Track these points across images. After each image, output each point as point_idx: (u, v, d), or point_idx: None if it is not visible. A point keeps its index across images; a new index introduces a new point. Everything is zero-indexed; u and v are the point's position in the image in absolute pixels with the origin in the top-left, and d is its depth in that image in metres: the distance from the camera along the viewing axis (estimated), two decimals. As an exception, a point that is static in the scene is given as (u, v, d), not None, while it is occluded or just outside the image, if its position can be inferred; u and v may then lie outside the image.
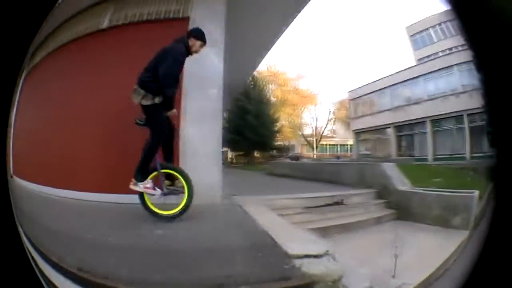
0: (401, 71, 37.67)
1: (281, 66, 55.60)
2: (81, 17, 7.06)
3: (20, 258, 2.01)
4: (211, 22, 6.87)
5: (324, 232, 6.88)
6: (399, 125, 37.80)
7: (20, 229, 2.13)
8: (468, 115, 28.41)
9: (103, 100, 7.01)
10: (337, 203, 8.80)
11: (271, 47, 14.33)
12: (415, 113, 34.75)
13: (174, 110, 6.21)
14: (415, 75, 35.47)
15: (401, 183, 10.47)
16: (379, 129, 40.62)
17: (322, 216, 8.02)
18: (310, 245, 3.89)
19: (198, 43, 5.99)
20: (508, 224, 1.78)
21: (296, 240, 4.36)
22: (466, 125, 29.07)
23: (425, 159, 33.01)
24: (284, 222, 6.16)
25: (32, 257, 2.28)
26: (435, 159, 31.98)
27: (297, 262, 3.28)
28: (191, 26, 6.66)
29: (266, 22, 11.57)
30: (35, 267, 2.22)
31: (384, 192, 10.40)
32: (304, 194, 8.76)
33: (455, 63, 29.98)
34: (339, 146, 56.36)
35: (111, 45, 6.97)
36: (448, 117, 31.48)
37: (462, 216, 8.02)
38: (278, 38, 13.10)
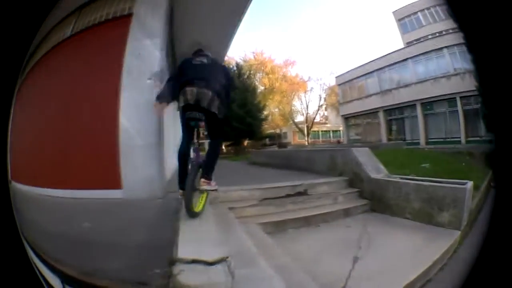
0: (389, 54, 36.94)
1: (269, 53, 56.00)
2: (56, 29, 6.97)
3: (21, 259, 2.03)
4: (152, 17, 6.92)
5: (278, 226, 6.40)
6: (389, 109, 37.13)
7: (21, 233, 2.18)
8: (461, 97, 27.68)
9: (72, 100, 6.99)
10: (300, 193, 7.94)
11: (230, 38, 13.98)
12: (405, 96, 34.00)
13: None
14: (403, 58, 34.65)
15: (375, 170, 9.23)
16: (368, 114, 39.81)
17: (280, 208, 7.24)
18: (208, 249, 3.22)
19: None
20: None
21: (199, 241, 3.62)
22: (459, 108, 28.21)
23: (417, 143, 31.97)
24: (218, 218, 5.39)
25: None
26: (428, 143, 30.94)
27: (179, 268, 2.81)
28: (133, 21, 6.80)
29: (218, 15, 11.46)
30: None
31: (356, 181, 9.39)
32: (264, 185, 8.00)
33: (445, 45, 29.26)
34: (331, 132, 57.04)
35: (74, 50, 6.99)
36: (440, 100, 30.58)
37: (450, 212, 6.80)
38: (234, 29, 12.99)
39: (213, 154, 5.42)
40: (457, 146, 25.59)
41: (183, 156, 5.39)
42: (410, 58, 33.88)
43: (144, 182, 6.33)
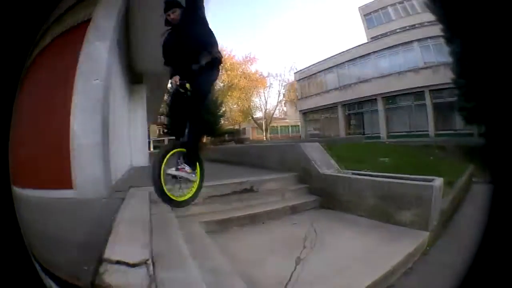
0: (350, 49, 36.83)
1: (229, 50, 56.19)
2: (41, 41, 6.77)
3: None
4: (105, 19, 7.02)
5: (222, 225, 6.17)
6: (348, 104, 37.26)
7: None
8: (431, 91, 27.51)
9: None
10: (246, 190, 7.64)
11: None
12: (365, 91, 33.98)
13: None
14: (366, 53, 34.62)
15: (325, 165, 8.80)
16: (327, 108, 40.03)
17: (225, 206, 6.96)
18: (134, 250, 3.14)
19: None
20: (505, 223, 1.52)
21: (128, 241, 3.50)
22: (428, 101, 28.00)
23: (378, 137, 31.65)
24: (157, 217, 5.05)
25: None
26: (390, 137, 30.61)
27: (105, 267, 2.77)
28: (91, 26, 6.95)
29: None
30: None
31: (305, 176, 8.95)
32: (210, 182, 7.09)
33: (416, 38, 29.07)
34: (290, 127, 58.21)
35: (43, 58, 6.48)
36: (405, 94, 30.27)
37: (413, 212, 6.25)
38: None
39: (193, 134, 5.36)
40: (424, 139, 25.51)
41: None
42: (373, 53, 33.97)
43: (90, 182, 6.41)
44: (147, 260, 2.96)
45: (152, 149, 40.29)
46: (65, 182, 6.24)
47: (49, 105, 6.55)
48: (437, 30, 21.55)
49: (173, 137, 5.39)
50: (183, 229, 4.77)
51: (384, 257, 4.75)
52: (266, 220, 6.62)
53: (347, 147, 18.07)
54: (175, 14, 5.10)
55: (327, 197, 8.02)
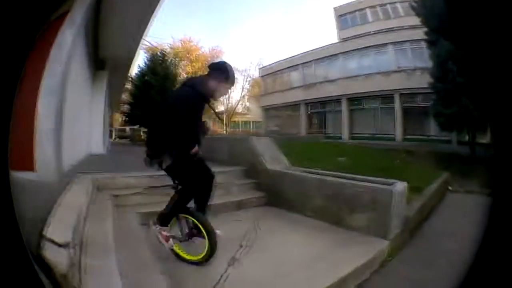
0: (318, 48, 36.48)
1: (196, 41, 56.76)
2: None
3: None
4: (77, 8, 6.87)
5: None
6: (311, 102, 36.87)
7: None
8: (402, 94, 27.21)
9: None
10: None
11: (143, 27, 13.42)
12: (329, 91, 33.46)
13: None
14: (333, 53, 34.21)
15: (274, 161, 8.42)
16: (289, 106, 39.56)
17: (165, 198, 5.70)
18: (63, 232, 3.09)
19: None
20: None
21: (62, 224, 3.33)
22: (397, 104, 27.63)
23: (339, 137, 31.25)
24: (95, 206, 5.12)
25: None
26: (353, 138, 30.23)
27: (44, 243, 2.74)
28: (68, 16, 6.72)
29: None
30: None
31: (253, 172, 8.54)
32: (152, 172, 6.56)
33: (391, 41, 28.75)
34: (252, 123, 58.54)
35: (37, 48, 6.50)
36: (372, 96, 29.99)
37: (368, 216, 5.72)
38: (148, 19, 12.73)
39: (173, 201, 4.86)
40: (390, 143, 25.01)
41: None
42: (342, 53, 33.65)
43: (45, 165, 6.15)
44: (71, 242, 2.94)
45: (114, 138, 40.86)
46: (29, 164, 6.03)
47: (25, 90, 5.99)
48: (419, 33, 21.62)
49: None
50: (118, 219, 4.74)
51: (331, 265, 4.18)
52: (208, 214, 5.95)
53: (305, 145, 17.82)
54: None
55: (274, 194, 7.57)
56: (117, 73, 17.32)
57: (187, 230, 4.53)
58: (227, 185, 7.57)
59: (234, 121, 60.15)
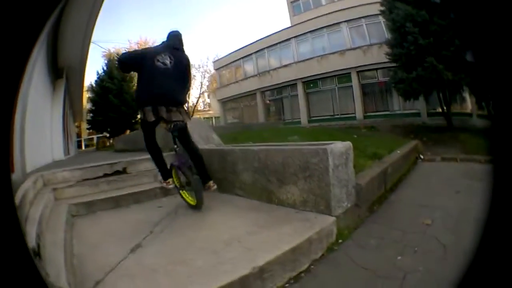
0: (270, 35, 35.50)
1: (152, 42, 55.90)
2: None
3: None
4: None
5: (89, 208, 5.75)
6: (266, 90, 36.19)
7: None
8: (359, 72, 26.54)
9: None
10: (118, 172, 7.37)
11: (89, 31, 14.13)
12: (284, 76, 32.69)
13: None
14: (286, 38, 33.30)
15: (204, 140, 7.88)
16: (246, 96, 38.89)
17: (94, 189, 6.58)
18: None
19: None
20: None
21: None
22: (355, 83, 26.97)
23: (298, 122, 30.51)
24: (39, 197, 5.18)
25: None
26: (311, 121, 29.46)
27: None
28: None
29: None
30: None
31: None
32: (84, 165, 7.63)
33: (344, 19, 27.84)
34: (214, 118, 57.71)
35: None
36: (327, 77, 29.08)
37: (302, 187, 4.54)
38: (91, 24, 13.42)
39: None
40: (351, 122, 24.44)
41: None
42: (294, 37, 32.68)
43: (19, 167, 6.85)
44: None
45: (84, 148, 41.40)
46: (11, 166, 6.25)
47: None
48: (374, 8, 21.26)
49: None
50: (51, 212, 4.75)
51: (245, 252, 3.34)
52: (132, 203, 6.14)
53: (259, 131, 16.82)
54: None
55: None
56: (73, 80, 18.37)
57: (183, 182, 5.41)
58: (155, 172, 6.74)
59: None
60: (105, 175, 7.07)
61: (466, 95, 18.37)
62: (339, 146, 4.42)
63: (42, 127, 11.15)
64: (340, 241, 3.88)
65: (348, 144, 4.64)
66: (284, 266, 3.17)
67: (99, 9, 12.55)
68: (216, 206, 5.27)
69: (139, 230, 4.34)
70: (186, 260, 3.25)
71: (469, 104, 18.99)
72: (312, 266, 3.39)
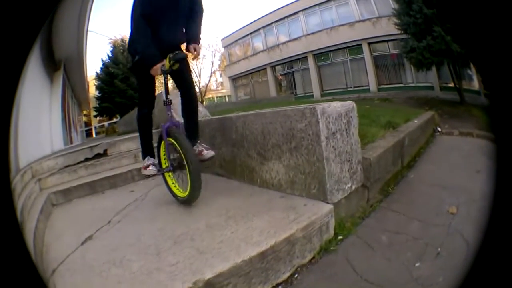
0: (277, 9, 34.56)
1: None
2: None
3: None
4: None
5: (66, 196, 5.39)
6: (277, 64, 35.34)
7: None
8: (370, 44, 25.67)
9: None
10: (99, 155, 7.07)
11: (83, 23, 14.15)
12: (294, 50, 31.86)
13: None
14: (294, 11, 32.31)
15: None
16: (256, 72, 38.17)
17: (73, 175, 6.37)
18: None
19: None
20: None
21: None
22: (367, 55, 26.00)
23: (311, 96, 29.73)
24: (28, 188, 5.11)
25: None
26: (324, 95, 28.60)
27: None
28: None
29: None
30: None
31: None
32: (65, 151, 7.78)
33: None
34: (227, 97, 56.68)
35: None
36: (338, 49, 28.12)
37: (288, 164, 3.59)
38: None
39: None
40: (365, 94, 23.66)
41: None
42: (302, 10, 31.72)
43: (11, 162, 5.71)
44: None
45: (94, 135, 40.86)
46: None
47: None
48: None
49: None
50: (33, 203, 4.54)
51: (201, 257, 2.55)
52: (108, 188, 5.80)
53: (268, 104, 16.88)
54: None
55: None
56: (73, 71, 17.99)
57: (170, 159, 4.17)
58: (135, 153, 6.87)
59: (209, 98, 59.91)
60: (86, 159, 6.86)
61: (473, 72, 17.40)
62: (336, 106, 3.28)
63: (39, 121, 10.54)
64: (340, 237, 2.94)
65: (350, 104, 3.50)
66: (248, 278, 2.35)
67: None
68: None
69: (100, 219, 3.95)
70: (124, 260, 2.74)
71: (476, 81, 18.03)
72: (297, 276, 2.53)
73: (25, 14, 1.41)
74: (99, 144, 7.13)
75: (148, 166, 4.26)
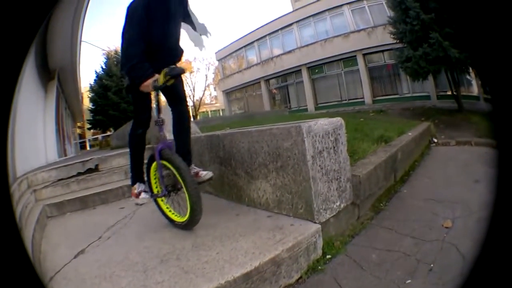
0: (270, 22, 34.70)
1: None
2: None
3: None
4: None
5: (59, 209, 5.43)
6: (271, 78, 35.31)
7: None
8: (365, 55, 25.69)
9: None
10: (91, 170, 7.05)
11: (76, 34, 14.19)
12: (287, 62, 31.80)
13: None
14: (287, 23, 32.45)
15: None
16: (250, 85, 38.13)
17: (66, 189, 6.35)
18: None
19: None
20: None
21: None
22: (361, 66, 26.00)
23: (305, 109, 29.59)
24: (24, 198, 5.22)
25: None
26: (318, 108, 28.59)
27: None
28: None
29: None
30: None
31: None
32: (58, 164, 7.74)
33: (346, 2, 26.80)
34: (221, 111, 56.85)
35: None
36: (333, 61, 28.14)
37: (274, 182, 3.56)
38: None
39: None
40: (360, 107, 23.82)
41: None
42: (296, 22, 31.80)
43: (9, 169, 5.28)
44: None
45: (88, 148, 40.41)
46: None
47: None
48: None
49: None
50: (29, 213, 4.64)
51: (185, 276, 2.57)
52: (99, 203, 5.80)
53: (261, 118, 16.93)
54: None
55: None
56: (66, 81, 17.95)
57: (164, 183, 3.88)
58: (126, 168, 6.44)
59: (203, 112, 60.16)
60: (79, 173, 6.87)
61: (472, 77, 17.82)
62: (323, 123, 3.28)
63: (35, 131, 10.89)
64: (328, 256, 2.93)
65: (337, 120, 3.49)
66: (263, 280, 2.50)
67: (83, 7, 12.52)
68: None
69: (91, 234, 3.99)
70: (114, 276, 2.81)
71: (475, 86, 18.41)
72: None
73: (22, 15, 1.40)
74: (90, 159, 7.13)
75: (139, 193, 4.08)
